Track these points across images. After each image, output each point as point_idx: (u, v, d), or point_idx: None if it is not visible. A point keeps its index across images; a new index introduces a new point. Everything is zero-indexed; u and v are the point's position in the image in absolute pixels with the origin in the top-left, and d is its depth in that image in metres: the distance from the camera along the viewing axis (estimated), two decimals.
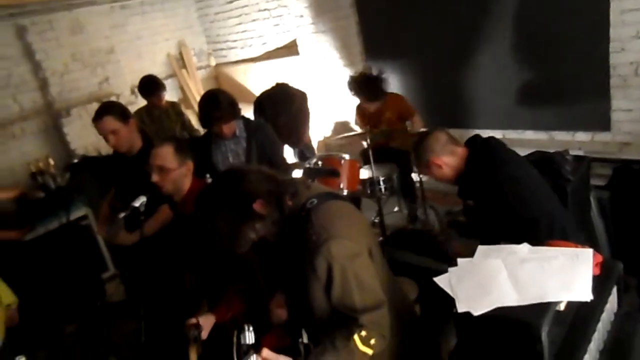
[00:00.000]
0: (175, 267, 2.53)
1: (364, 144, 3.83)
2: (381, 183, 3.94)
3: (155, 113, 4.46)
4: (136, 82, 5.95)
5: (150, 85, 4.40)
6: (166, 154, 2.33)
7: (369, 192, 3.89)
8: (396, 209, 4.56)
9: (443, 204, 4.24)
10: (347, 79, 4.12)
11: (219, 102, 2.93)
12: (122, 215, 2.38)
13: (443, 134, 2.22)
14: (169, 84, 6.25)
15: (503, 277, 1.50)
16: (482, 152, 2.16)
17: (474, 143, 2.22)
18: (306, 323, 1.66)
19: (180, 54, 6.39)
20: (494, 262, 1.57)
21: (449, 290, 1.51)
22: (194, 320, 1.96)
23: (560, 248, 1.58)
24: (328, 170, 3.51)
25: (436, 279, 1.58)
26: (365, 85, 4.03)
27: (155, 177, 2.31)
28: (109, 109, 2.78)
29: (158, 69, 6.15)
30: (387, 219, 4.12)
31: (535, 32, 3.83)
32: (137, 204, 2.29)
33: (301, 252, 1.53)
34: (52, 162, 4.91)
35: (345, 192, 3.63)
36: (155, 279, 2.72)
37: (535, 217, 1.95)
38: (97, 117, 2.75)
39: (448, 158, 2.18)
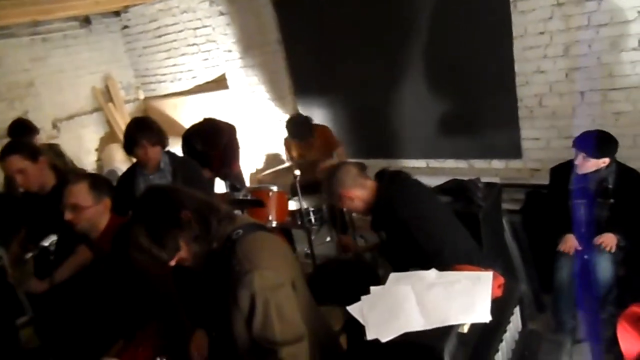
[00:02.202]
0: (91, 309, 2.41)
1: (296, 172, 3.86)
2: (311, 214, 3.98)
3: None
4: (59, 115, 5.77)
5: (19, 130, 4.20)
6: (80, 191, 2.22)
7: (299, 223, 3.92)
8: (328, 239, 4.60)
9: (373, 233, 4.32)
10: (277, 114, 4.23)
11: (148, 123, 2.94)
12: (29, 255, 2.25)
13: (353, 167, 2.30)
14: (94, 117, 6.11)
15: (411, 303, 1.55)
16: (389, 187, 2.25)
17: (382, 177, 2.30)
18: (229, 356, 1.63)
19: (107, 87, 6.24)
20: (404, 288, 1.62)
21: (360, 318, 1.54)
22: None
23: (464, 272, 1.65)
24: (253, 201, 3.51)
25: (349, 308, 1.61)
26: (293, 129, 4.21)
27: (68, 215, 2.19)
28: (15, 148, 2.66)
29: (82, 103, 5.98)
30: (319, 249, 4.15)
31: (451, 68, 4.08)
32: (46, 243, 2.18)
33: (225, 283, 1.51)
34: None
35: (274, 224, 3.64)
36: (69, 323, 2.57)
37: (439, 248, 2.05)
38: (2, 157, 2.62)
39: (359, 191, 2.25)
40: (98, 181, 2.33)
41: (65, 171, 4.46)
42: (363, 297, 1.64)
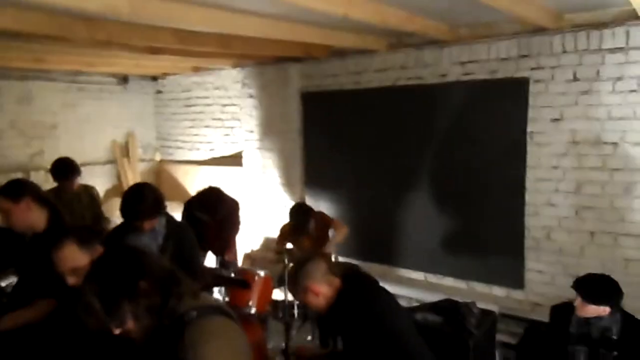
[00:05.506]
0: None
1: (286, 262, 3.70)
2: (295, 307, 3.77)
3: (65, 197, 4.23)
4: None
5: (65, 169, 4.16)
6: (71, 254, 2.08)
7: (280, 315, 3.70)
8: (309, 337, 4.33)
9: None
10: (284, 199, 4.16)
11: (143, 197, 2.82)
12: None
13: (323, 262, 2.20)
14: (106, 169, 6.18)
15: None
16: (358, 287, 2.16)
17: (349, 277, 2.20)
18: None
19: (127, 143, 6.37)
20: None
21: None
22: None
23: None
24: (237, 280, 3.35)
25: None
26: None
27: (72, 280, 2.04)
28: None
29: (99, 154, 6.09)
30: None
31: (462, 185, 4.06)
32: (3, 283, 2.05)
33: None
34: None
35: (253, 310, 3.45)
36: None
37: (410, 351, 1.91)
38: None
39: (325, 288, 2.15)
40: (82, 234, 2.19)
41: (97, 215, 4.40)
42: None
